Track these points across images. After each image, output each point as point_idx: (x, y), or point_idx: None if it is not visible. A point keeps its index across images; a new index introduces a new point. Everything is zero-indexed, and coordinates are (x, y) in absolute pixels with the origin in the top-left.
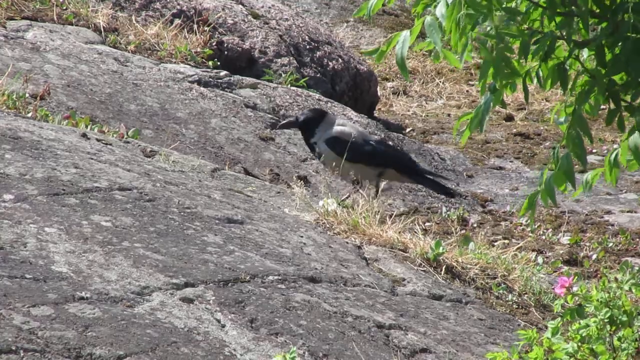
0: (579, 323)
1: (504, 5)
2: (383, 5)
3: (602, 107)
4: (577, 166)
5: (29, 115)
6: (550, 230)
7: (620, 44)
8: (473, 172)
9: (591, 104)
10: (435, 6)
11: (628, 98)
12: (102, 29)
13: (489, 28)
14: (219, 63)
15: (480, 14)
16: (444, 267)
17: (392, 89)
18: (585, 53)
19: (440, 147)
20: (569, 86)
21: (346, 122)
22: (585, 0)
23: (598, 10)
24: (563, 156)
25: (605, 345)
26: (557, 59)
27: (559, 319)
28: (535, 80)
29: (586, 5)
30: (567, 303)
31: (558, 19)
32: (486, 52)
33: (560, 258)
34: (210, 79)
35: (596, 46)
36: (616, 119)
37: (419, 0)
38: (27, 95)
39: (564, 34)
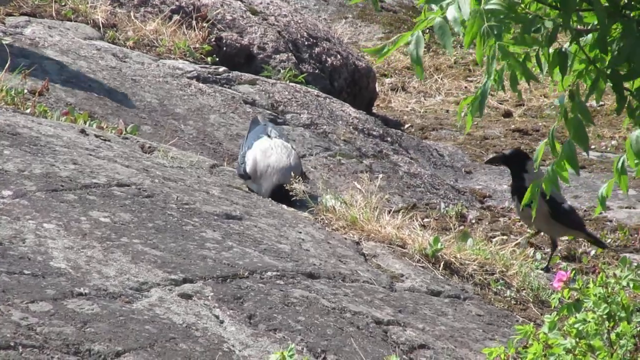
0: (575, 317)
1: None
2: (381, 1)
3: (601, 103)
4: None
5: (28, 111)
6: None
7: (626, 38)
8: (471, 168)
9: (582, 97)
10: (444, 5)
11: (630, 86)
12: (100, 25)
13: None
14: (217, 59)
15: (502, 24)
16: (442, 263)
17: (391, 85)
18: (588, 40)
19: (438, 143)
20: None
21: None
22: None
23: (607, 5)
24: (565, 143)
25: (603, 341)
26: (557, 45)
27: (556, 313)
28: (535, 66)
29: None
30: (564, 298)
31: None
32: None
33: (559, 254)
34: (209, 75)
35: (599, 37)
36: (626, 107)
37: None
38: (25, 91)
39: (564, 22)
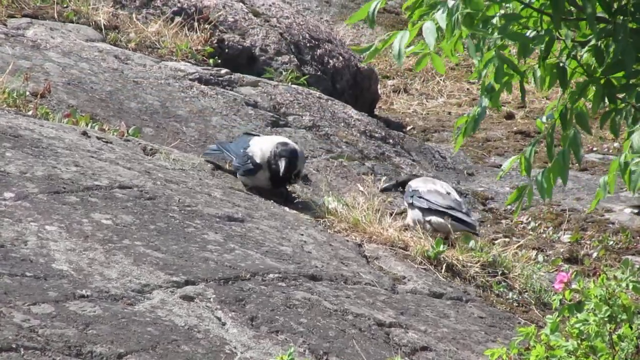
0: (577, 317)
1: (502, 12)
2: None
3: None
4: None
5: (30, 113)
6: (551, 228)
7: (616, 44)
8: (474, 170)
9: (586, 107)
10: (434, 13)
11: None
12: (102, 27)
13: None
14: (219, 61)
15: (479, 13)
16: (444, 265)
17: (393, 87)
18: (585, 54)
19: (440, 145)
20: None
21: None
22: (592, 2)
23: (600, 11)
24: (559, 152)
25: (605, 342)
26: (555, 58)
27: (557, 313)
28: (532, 81)
29: (593, 8)
30: (566, 299)
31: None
32: (474, 51)
33: (561, 256)
34: (211, 77)
35: (594, 46)
36: (609, 122)
37: (413, 7)
38: (27, 93)
39: (562, 34)
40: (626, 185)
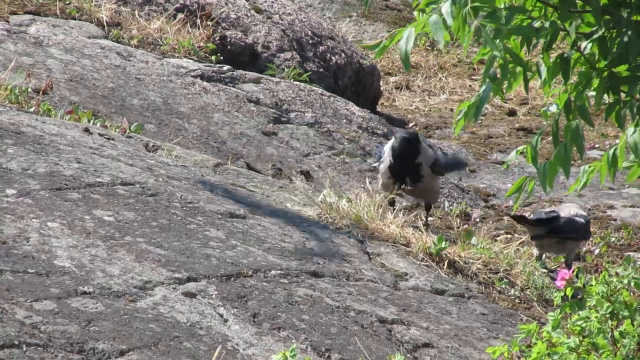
0: (579, 314)
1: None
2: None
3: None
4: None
5: (32, 109)
6: None
7: (620, 36)
8: (476, 167)
9: (587, 97)
10: (441, 4)
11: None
12: (105, 24)
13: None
14: (221, 58)
15: (485, 5)
16: (446, 261)
17: (395, 84)
18: (588, 47)
19: (442, 141)
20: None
21: None
22: None
23: (606, 3)
24: (561, 145)
25: (607, 339)
26: (559, 50)
27: (559, 310)
28: (536, 73)
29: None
30: (567, 296)
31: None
32: (490, 42)
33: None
34: (213, 74)
35: (599, 38)
36: (614, 114)
37: None
38: (29, 89)
39: (566, 26)
40: (601, 180)
